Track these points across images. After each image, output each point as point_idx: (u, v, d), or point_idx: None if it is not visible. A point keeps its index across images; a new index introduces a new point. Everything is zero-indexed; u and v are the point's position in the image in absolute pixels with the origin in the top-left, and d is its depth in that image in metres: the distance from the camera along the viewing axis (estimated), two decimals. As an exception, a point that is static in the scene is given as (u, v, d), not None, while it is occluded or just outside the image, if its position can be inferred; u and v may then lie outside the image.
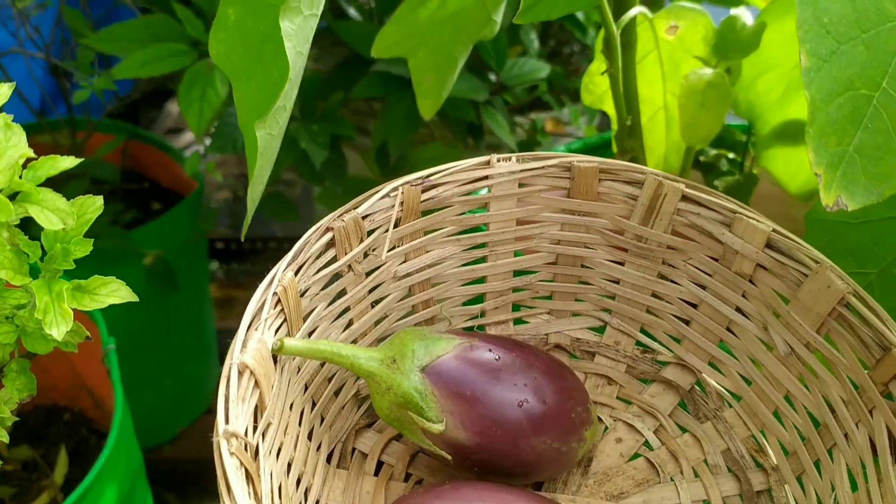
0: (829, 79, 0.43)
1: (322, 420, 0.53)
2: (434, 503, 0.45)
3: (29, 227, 0.47)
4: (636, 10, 0.66)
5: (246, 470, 0.39)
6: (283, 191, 1.11)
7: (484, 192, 0.56)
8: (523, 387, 0.50)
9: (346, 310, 0.53)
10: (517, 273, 0.60)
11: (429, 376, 0.48)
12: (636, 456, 0.56)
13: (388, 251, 0.54)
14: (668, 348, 0.60)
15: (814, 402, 0.52)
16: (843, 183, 0.44)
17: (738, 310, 0.55)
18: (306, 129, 0.94)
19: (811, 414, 0.52)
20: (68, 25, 0.96)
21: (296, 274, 0.48)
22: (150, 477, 0.78)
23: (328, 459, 0.53)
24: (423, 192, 0.53)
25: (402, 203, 0.53)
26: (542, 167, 0.56)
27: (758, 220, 0.52)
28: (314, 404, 0.52)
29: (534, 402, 0.50)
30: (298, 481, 0.49)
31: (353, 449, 0.55)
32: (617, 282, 0.60)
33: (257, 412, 0.42)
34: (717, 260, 0.55)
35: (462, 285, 0.59)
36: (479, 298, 0.60)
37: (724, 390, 0.58)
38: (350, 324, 0.54)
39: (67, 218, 0.45)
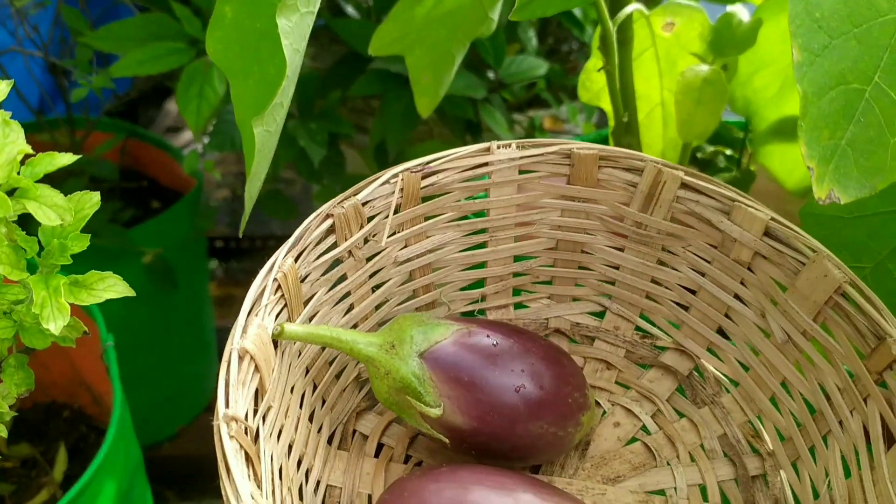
0: (821, 73, 0.43)
1: (323, 403, 0.53)
2: (431, 486, 0.45)
3: (27, 223, 0.47)
4: (632, 6, 0.66)
5: (245, 453, 0.39)
6: (282, 189, 1.11)
7: (484, 178, 0.56)
8: (521, 372, 0.50)
9: (347, 294, 0.54)
10: (517, 258, 0.61)
11: (427, 362, 0.49)
12: (633, 440, 0.57)
13: (389, 237, 0.54)
14: (667, 334, 0.61)
15: (810, 389, 0.52)
16: (835, 176, 0.44)
17: (737, 297, 0.56)
18: (305, 128, 0.94)
19: (807, 401, 0.53)
20: (67, 24, 0.96)
21: (296, 260, 0.48)
22: (151, 474, 0.78)
23: (329, 441, 0.54)
24: (423, 178, 0.54)
25: (402, 189, 0.53)
26: (542, 154, 0.56)
27: (756, 209, 0.52)
28: (315, 387, 0.52)
29: (531, 387, 0.50)
30: (299, 463, 0.49)
31: (354, 431, 0.56)
32: (617, 267, 0.60)
33: (258, 396, 0.43)
34: (715, 247, 0.55)
35: (462, 270, 0.59)
36: (479, 283, 0.61)
37: (721, 376, 0.58)
38: (350, 308, 0.54)
39: (65, 214, 0.45)
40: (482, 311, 0.62)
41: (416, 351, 0.49)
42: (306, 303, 0.50)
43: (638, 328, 0.61)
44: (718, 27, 0.70)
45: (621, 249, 0.59)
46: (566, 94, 1.15)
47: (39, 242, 0.48)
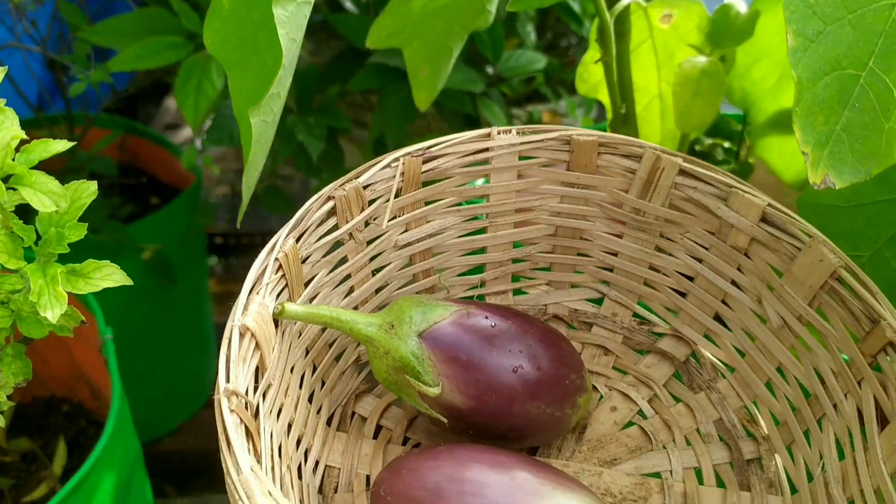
0: (816, 58, 0.44)
1: (323, 384, 0.54)
2: (429, 462, 0.45)
3: (26, 214, 0.47)
4: (630, -2, 0.66)
5: (246, 427, 0.39)
6: (280, 185, 1.11)
7: (484, 163, 0.57)
8: (518, 353, 0.50)
9: (347, 277, 0.54)
10: (517, 244, 0.61)
11: (425, 341, 0.49)
12: (630, 424, 0.57)
13: (389, 220, 0.54)
14: (664, 320, 0.61)
15: (805, 374, 0.53)
16: (830, 161, 0.44)
17: (734, 283, 0.56)
18: (303, 122, 0.94)
19: (802, 385, 0.53)
20: (65, 20, 0.96)
21: (297, 241, 0.48)
22: (151, 469, 0.78)
23: (328, 422, 0.54)
24: (423, 162, 0.54)
25: (402, 173, 0.54)
26: (542, 140, 0.56)
27: (753, 195, 0.53)
28: (315, 368, 0.52)
29: (528, 368, 0.50)
30: (298, 442, 0.49)
31: (353, 413, 0.56)
32: (615, 254, 0.60)
33: (258, 373, 0.43)
34: (713, 233, 0.56)
35: (462, 255, 0.60)
36: (479, 269, 0.61)
37: (718, 361, 0.59)
38: (351, 291, 0.55)
39: (60, 200, 0.45)
40: (481, 297, 0.62)
41: (415, 331, 0.49)
42: (307, 284, 0.50)
43: (635, 315, 0.62)
44: (716, 18, 0.71)
45: (620, 236, 0.60)
46: (565, 88, 1.15)
47: (36, 231, 0.48)
